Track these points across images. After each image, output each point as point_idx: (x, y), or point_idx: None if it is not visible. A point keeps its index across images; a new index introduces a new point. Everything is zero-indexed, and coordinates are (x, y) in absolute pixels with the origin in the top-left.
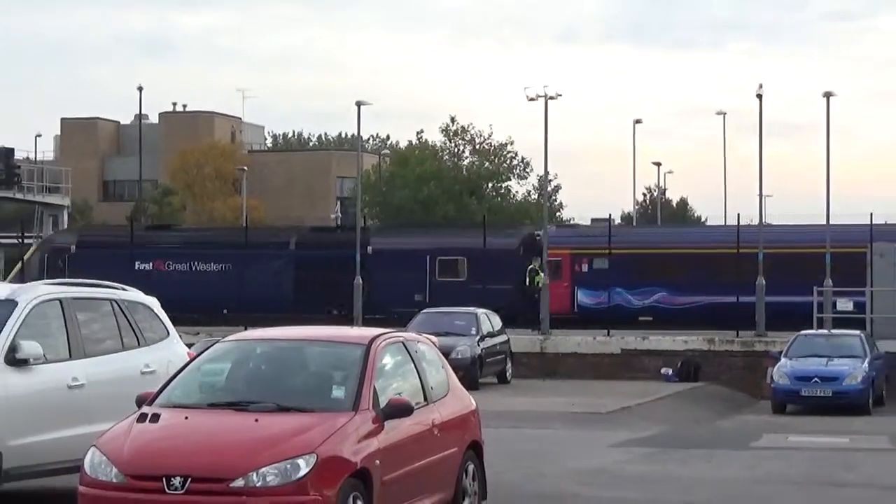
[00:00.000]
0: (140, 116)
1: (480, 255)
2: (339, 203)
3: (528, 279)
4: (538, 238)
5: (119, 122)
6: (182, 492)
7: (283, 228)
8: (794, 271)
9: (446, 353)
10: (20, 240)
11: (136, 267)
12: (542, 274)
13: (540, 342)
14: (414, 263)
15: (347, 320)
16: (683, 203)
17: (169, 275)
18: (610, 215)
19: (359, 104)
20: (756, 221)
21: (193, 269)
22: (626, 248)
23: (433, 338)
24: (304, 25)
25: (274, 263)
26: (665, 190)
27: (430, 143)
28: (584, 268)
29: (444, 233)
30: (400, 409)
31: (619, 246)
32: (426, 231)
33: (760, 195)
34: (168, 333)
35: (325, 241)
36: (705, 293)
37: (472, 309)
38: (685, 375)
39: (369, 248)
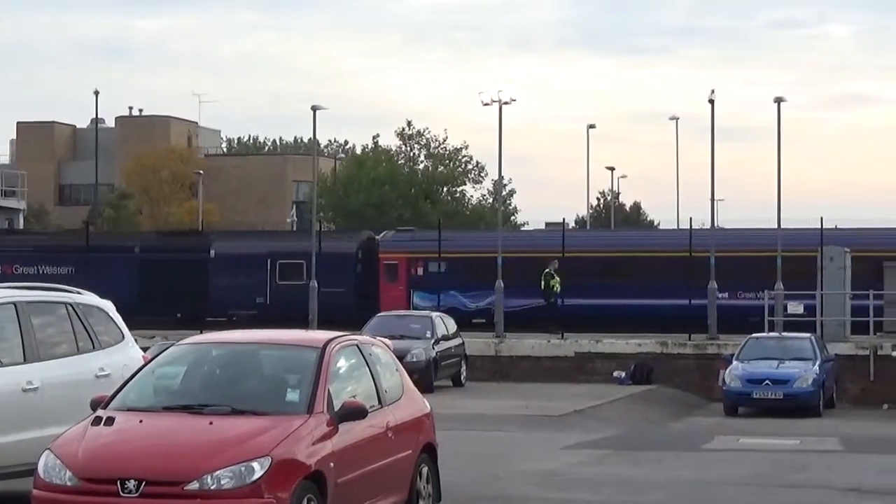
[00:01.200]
0: (96, 120)
1: (320, 258)
2: (294, 207)
3: (543, 283)
4: (377, 242)
5: (75, 126)
6: (136, 495)
7: (128, 233)
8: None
9: (401, 356)
10: None
11: None
12: (557, 277)
13: (494, 345)
14: (255, 267)
15: (192, 322)
16: (637, 207)
17: (16, 278)
18: (564, 219)
19: (314, 109)
20: (708, 225)
21: (40, 272)
22: (461, 252)
23: (387, 341)
24: (260, 30)
25: (119, 267)
26: (619, 194)
27: (385, 147)
28: (420, 271)
29: (284, 237)
30: (354, 412)
31: (454, 250)
32: (268, 236)
33: (712, 199)
34: (123, 337)
35: (170, 246)
36: (539, 296)
37: (426, 312)
38: (638, 378)
39: (212, 252)
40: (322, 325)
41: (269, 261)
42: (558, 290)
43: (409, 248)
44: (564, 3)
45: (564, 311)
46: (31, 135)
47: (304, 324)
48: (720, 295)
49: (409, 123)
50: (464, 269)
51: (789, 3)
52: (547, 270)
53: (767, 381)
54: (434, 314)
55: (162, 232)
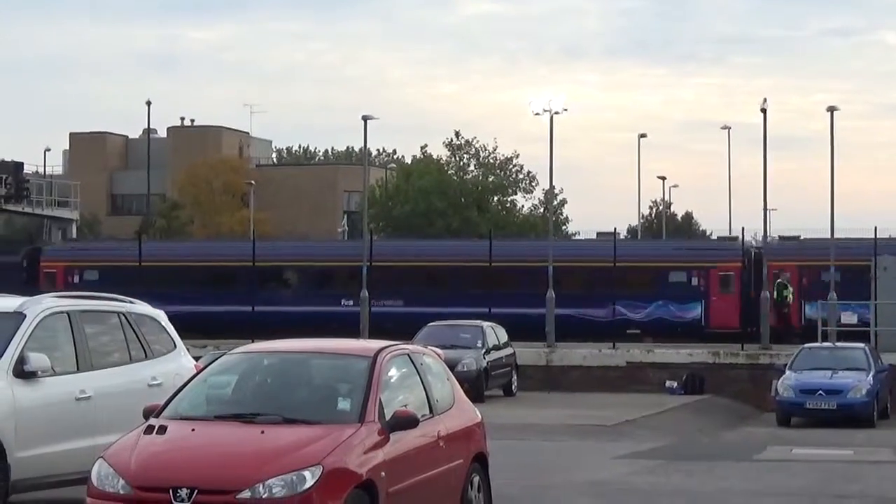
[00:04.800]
0: (148, 131)
1: None
2: (345, 217)
3: (776, 293)
4: (43, 253)
5: (127, 137)
6: (189, 503)
7: None
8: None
9: (452, 365)
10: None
11: None
12: (789, 287)
13: (545, 355)
14: None
15: None
16: (689, 217)
17: None
18: (615, 229)
19: (365, 118)
20: (761, 235)
21: None
22: (115, 261)
23: (438, 350)
24: (311, 40)
25: None
26: (670, 204)
27: (435, 157)
28: (76, 279)
29: None
30: (405, 422)
31: (109, 259)
32: None
33: (765, 209)
34: (175, 346)
35: None
36: (209, 303)
37: (478, 322)
38: (691, 388)
39: None
40: None
41: None
42: (791, 300)
43: (69, 257)
44: (615, 12)
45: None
46: (84, 145)
47: None
48: None
49: (457, 134)
50: (115, 277)
51: (842, 11)
52: (779, 281)
53: (821, 392)
54: (485, 324)
55: None
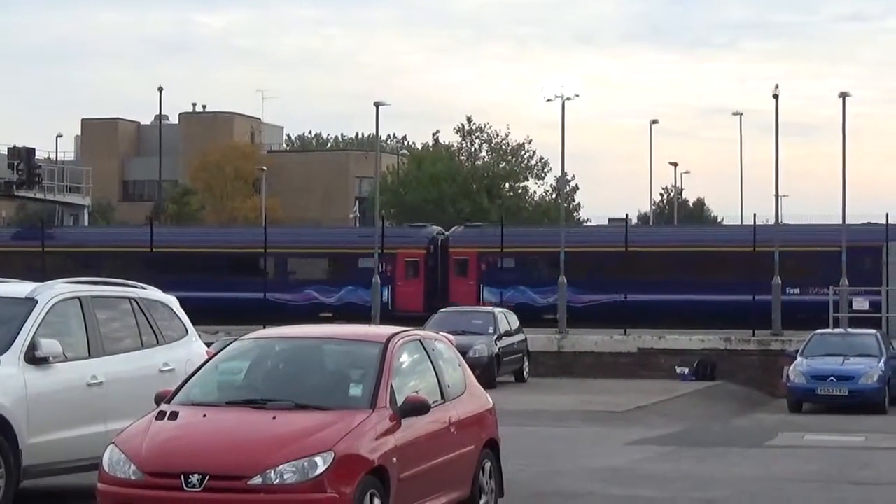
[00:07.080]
0: (160, 117)
1: None
2: (357, 203)
3: None
4: None
5: (139, 123)
6: (200, 489)
7: None
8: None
9: (463, 351)
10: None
11: None
12: None
13: (557, 341)
14: None
15: None
16: (700, 203)
17: None
18: (627, 215)
19: (377, 105)
20: (772, 221)
21: None
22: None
23: (450, 336)
24: (323, 26)
25: None
26: (682, 190)
27: (446, 143)
28: None
29: None
30: (417, 407)
31: None
32: None
33: (777, 195)
34: (187, 332)
35: None
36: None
37: (489, 308)
38: (702, 374)
39: None
40: None
41: None
42: None
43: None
44: None
45: (629, 307)
46: (96, 131)
47: None
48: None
49: (468, 119)
50: None
51: None
52: None
53: (832, 378)
54: (497, 310)
55: None
